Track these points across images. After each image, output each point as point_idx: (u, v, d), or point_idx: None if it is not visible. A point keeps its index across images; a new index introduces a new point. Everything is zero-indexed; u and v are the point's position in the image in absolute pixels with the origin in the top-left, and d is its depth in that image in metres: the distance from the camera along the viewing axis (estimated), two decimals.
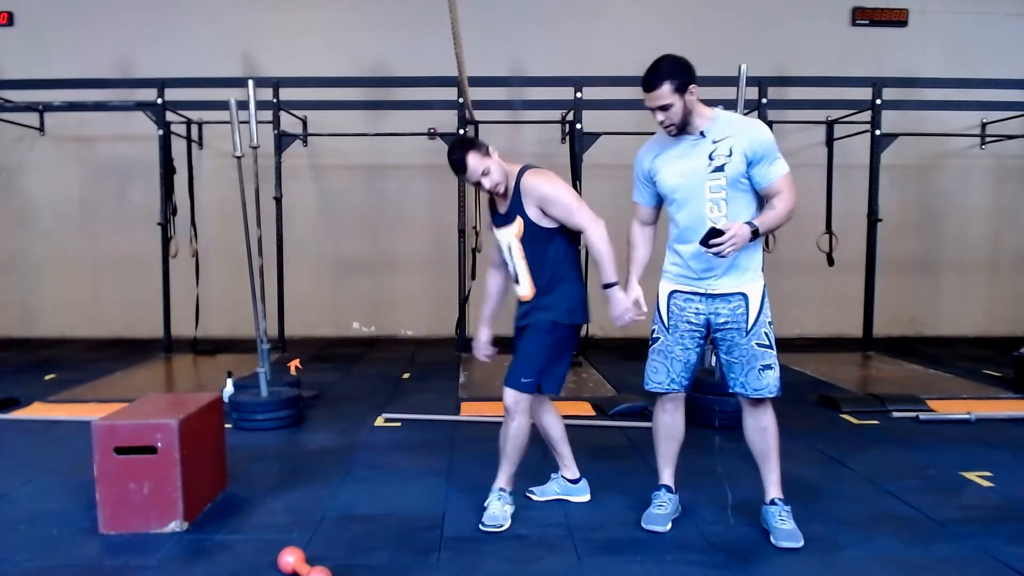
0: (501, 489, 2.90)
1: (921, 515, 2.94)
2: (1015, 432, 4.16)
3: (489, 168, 2.73)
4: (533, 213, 2.74)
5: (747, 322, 2.65)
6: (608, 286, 2.76)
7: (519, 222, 2.77)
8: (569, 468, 3.09)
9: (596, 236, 2.72)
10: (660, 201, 2.78)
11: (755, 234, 2.53)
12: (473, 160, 2.73)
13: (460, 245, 6.71)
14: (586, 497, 3.06)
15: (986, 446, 3.88)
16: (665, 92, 2.52)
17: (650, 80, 2.56)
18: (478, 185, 2.78)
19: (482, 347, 3.02)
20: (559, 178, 2.82)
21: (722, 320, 2.68)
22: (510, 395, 2.80)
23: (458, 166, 2.76)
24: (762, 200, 2.65)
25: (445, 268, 7.23)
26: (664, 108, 2.55)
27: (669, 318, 2.74)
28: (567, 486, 3.07)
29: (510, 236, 2.81)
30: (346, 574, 2.42)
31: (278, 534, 2.72)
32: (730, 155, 2.56)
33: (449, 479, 3.38)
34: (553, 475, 3.12)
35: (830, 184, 7.34)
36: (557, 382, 2.89)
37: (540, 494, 3.08)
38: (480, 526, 2.80)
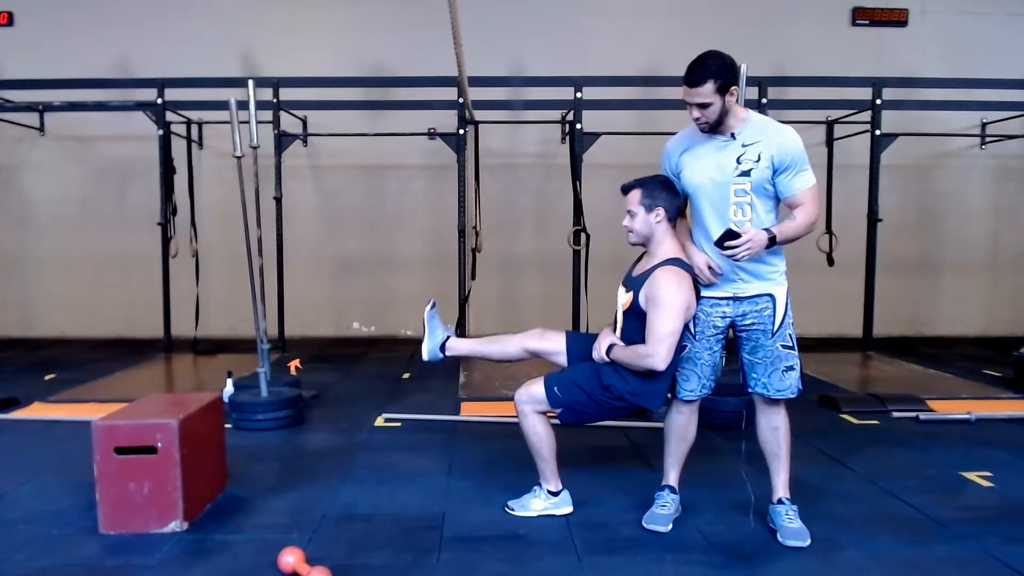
0: (537, 485, 2.95)
1: (921, 515, 2.94)
2: (1015, 432, 4.16)
3: (636, 215, 2.71)
4: (642, 297, 2.69)
5: (773, 323, 2.65)
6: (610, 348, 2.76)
7: (631, 295, 2.75)
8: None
9: (652, 358, 2.60)
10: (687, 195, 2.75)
11: (772, 241, 2.52)
12: (635, 196, 2.72)
13: (460, 245, 6.70)
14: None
15: (986, 446, 3.88)
16: (707, 91, 2.47)
17: (694, 76, 2.48)
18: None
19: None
20: (686, 290, 2.63)
21: (748, 321, 2.68)
22: (520, 392, 2.84)
23: (624, 189, 2.77)
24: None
25: (445, 268, 7.22)
26: (703, 106, 2.49)
27: (696, 325, 2.72)
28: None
29: (621, 301, 2.81)
30: (346, 574, 2.42)
31: (278, 534, 2.72)
32: (758, 160, 2.54)
33: (449, 479, 3.37)
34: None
35: (830, 184, 7.32)
36: (573, 418, 2.85)
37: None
38: (505, 507, 2.94)
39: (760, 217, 2.60)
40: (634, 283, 2.76)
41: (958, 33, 7.98)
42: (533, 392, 2.83)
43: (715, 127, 2.56)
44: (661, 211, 2.70)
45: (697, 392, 2.78)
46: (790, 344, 2.68)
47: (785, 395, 2.69)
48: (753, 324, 2.67)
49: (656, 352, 2.60)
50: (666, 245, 2.72)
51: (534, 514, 2.90)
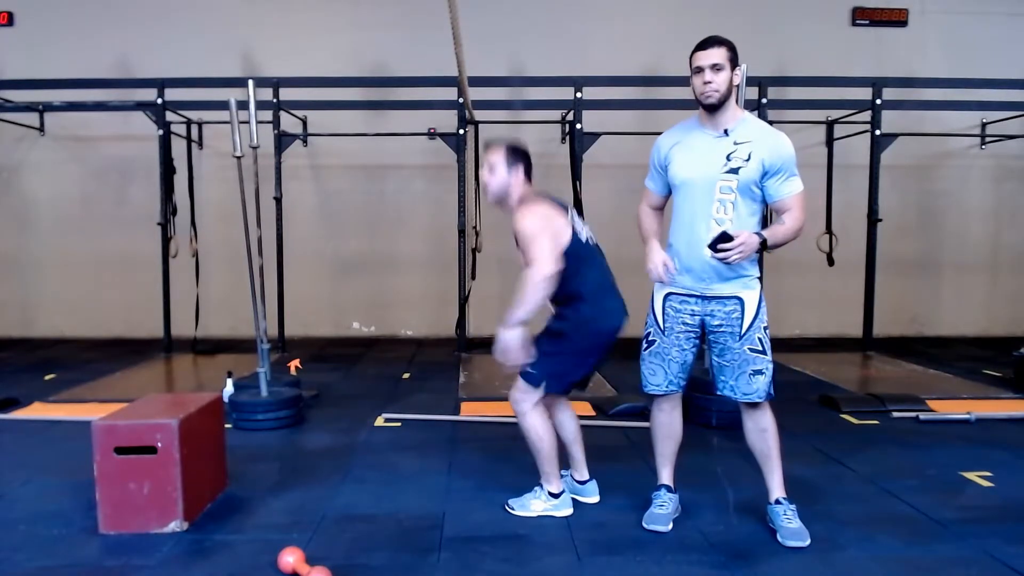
0: (538, 486, 2.97)
1: (921, 515, 2.94)
2: (1015, 432, 4.16)
3: (496, 169, 2.83)
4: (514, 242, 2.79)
5: (741, 326, 2.65)
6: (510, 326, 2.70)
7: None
8: (579, 470, 3.10)
9: (532, 277, 2.63)
10: (670, 192, 2.76)
11: (763, 246, 2.53)
12: (495, 156, 2.84)
13: (460, 245, 6.70)
14: (594, 498, 3.06)
15: (986, 446, 3.88)
16: (721, 53, 2.54)
17: (708, 41, 2.58)
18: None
19: None
20: (543, 209, 2.78)
21: (716, 323, 2.68)
22: (511, 393, 2.88)
23: (487, 147, 2.91)
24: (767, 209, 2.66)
25: (445, 268, 7.23)
26: (716, 68, 2.53)
27: (665, 320, 2.74)
28: (575, 486, 3.08)
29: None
30: (346, 574, 2.42)
31: (278, 534, 2.73)
32: (748, 160, 2.55)
33: (449, 479, 3.38)
34: (563, 472, 3.10)
35: (830, 184, 7.33)
36: (560, 385, 2.90)
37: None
38: (505, 507, 2.95)
39: (742, 218, 2.59)
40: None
41: (958, 33, 7.98)
42: (519, 386, 2.86)
43: (719, 105, 2.57)
44: (521, 165, 2.88)
45: (663, 388, 2.78)
46: (760, 348, 2.66)
47: (751, 399, 2.69)
48: (721, 326, 2.67)
49: (540, 261, 2.65)
50: (527, 195, 2.90)
51: (534, 514, 2.91)
